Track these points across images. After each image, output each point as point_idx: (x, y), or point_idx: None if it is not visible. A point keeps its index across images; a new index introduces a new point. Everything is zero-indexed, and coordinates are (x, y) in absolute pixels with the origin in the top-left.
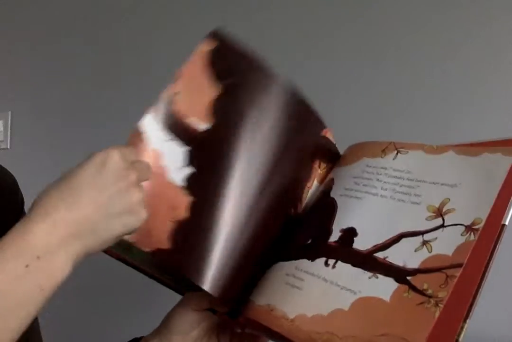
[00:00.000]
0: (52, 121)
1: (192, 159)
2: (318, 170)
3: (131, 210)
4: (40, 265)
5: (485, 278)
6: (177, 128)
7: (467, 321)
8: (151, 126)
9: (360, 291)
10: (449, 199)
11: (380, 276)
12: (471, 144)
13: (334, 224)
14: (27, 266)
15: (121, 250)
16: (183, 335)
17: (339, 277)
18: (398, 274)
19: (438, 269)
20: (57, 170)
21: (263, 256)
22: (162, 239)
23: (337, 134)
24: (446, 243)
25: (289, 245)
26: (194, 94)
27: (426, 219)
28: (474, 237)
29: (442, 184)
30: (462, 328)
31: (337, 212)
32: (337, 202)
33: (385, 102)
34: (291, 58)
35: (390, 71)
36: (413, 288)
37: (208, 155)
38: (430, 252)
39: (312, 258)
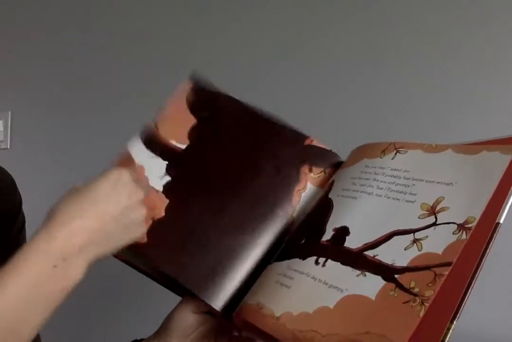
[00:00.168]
0: (52, 121)
1: (169, 171)
2: (310, 174)
3: (138, 222)
4: (65, 266)
5: (475, 277)
6: (159, 148)
7: (454, 322)
8: (138, 147)
9: (347, 289)
10: (443, 197)
11: (368, 274)
12: (471, 144)
13: (328, 223)
14: (54, 266)
15: (128, 254)
16: (182, 338)
17: (328, 275)
18: (386, 272)
19: (427, 267)
20: (57, 170)
21: (256, 259)
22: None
23: (337, 134)
24: (437, 241)
25: (284, 246)
26: (175, 123)
27: (419, 217)
28: (466, 236)
29: (438, 182)
30: (448, 329)
31: (332, 212)
32: (334, 202)
33: (385, 102)
34: (291, 58)
35: (390, 71)
36: (400, 286)
37: (183, 168)
38: (420, 250)
39: (303, 257)
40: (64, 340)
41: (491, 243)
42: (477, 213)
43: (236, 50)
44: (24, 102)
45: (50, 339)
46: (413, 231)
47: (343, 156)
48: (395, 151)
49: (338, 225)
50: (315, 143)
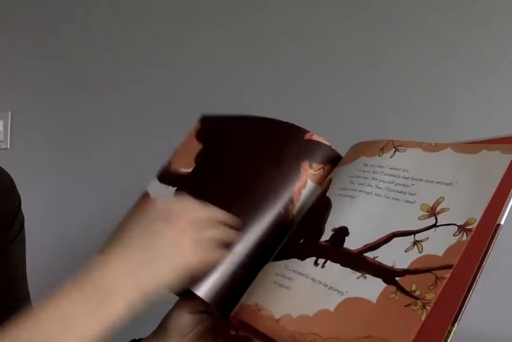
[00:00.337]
0: (52, 121)
1: (177, 194)
2: (310, 170)
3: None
4: (104, 300)
5: (476, 280)
6: (169, 178)
7: (455, 324)
8: (153, 183)
9: (347, 291)
10: (443, 198)
11: (368, 276)
12: (470, 143)
13: (326, 223)
14: (91, 299)
15: None
16: (179, 337)
17: (327, 277)
18: (387, 274)
19: (428, 270)
20: (57, 170)
21: (255, 257)
22: None
23: (336, 134)
24: (438, 243)
25: (283, 245)
26: (184, 153)
27: (419, 218)
28: (467, 237)
29: (437, 182)
30: (450, 331)
31: (331, 211)
32: (332, 201)
33: (385, 102)
34: (291, 58)
35: (390, 71)
36: (401, 289)
37: (189, 186)
38: (420, 252)
39: (302, 257)
40: None
41: (492, 245)
42: (477, 214)
43: (236, 50)
44: (24, 102)
45: None
46: (414, 233)
47: (343, 155)
48: (393, 149)
49: (337, 225)
50: (315, 138)
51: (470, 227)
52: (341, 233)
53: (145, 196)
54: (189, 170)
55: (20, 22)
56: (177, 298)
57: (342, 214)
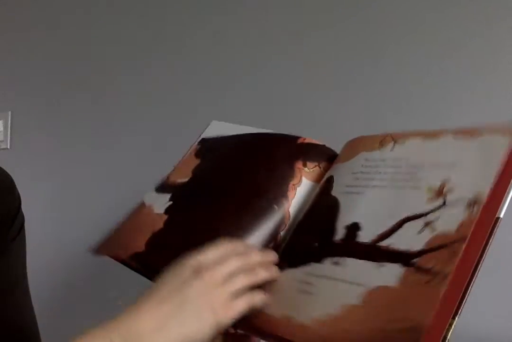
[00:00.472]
0: (52, 121)
1: (172, 198)
2: (305, 169)
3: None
4: None
5: (484, 255)
6: (166, 188)
7: (456, 318)
8: (150, 194)
9: (368, 283)
10: (448, 179)
11: (386, 264)
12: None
13: (337, 222)
14: None
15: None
16: None
17: (347, 273)
18: (403, 258)
19: (443, 246)
20: (57, 170)
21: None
22: (140, 245)
23: (335, 133)
24: (449, 220)
25: (294, 248)
26: (182, 168)
27: (427, 201)
28: (478, 209)
29: (440, 165)
30: (450, 325)
31: (340, 210)
32: (340, 199)
33: (383, 101)
34: (291, 58)
35: (389, 69)
36: (419, 269)
37: (183, 192)
38: (433, 231)
39: (319, 260)
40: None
41: (499, 221)
42: (484, 188)
43: (235, 50)
44: (24, 102)
45: (50, 339)
46: (424, 215)
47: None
48: (393, 142)
49: (348, 222)
50: (307, 141)
51: (479, 199)
52: (353, 229)
53: (141, 206)
54: (185, 180)
55: (20, 22)
56: None
57: (352, 210)
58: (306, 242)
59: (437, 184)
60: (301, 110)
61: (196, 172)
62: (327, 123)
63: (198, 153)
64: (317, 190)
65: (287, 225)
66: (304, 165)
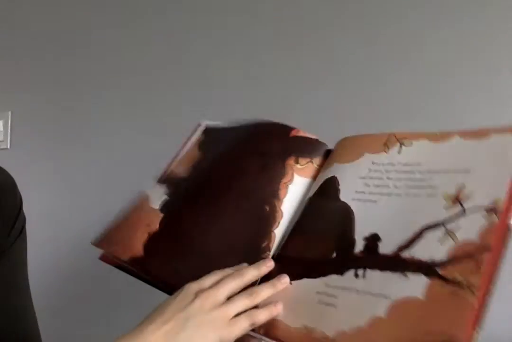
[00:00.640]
0: (52, 121)
1: (168, 192)
2: (296, 165)
3: None
4: None
5: (502, 259)
6: (165, 178)
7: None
8: (152, 186)
9: (393, 295)
10: (464, 185)
11: (410, 274)
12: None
13: (355, 233)
14: None
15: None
16: None
17: (371, 285)
18: (427, 269)
19: (467, 256)
20: (57, 170)
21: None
22: (138, 247)
23: (333, 131)
24: (469, 228)
25: (305, 256)
26: (185, 162)
27: (444, 209)
28: (497, 217)
29: (454, 171)
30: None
31: (355, 219)
32: (352, 207)
33: (384, 102)
34: (292, 58)
35: (389, 69)
36: (445, 279)
37: (180, 188)
38: (455, 240)
39: (340, 272)
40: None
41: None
42: (501, 193)
43: (235, 50)
44: (24, 102)
45: (50, 339)
46: (443, 223)
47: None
48: (399, 144)
49: (366, 233)
50: (300, 134)
51: (497, 207)
52: (373, 240)
53: (142, 197)
54: (184, 175)
55: (20, 22)
56: None
57: (368, 220)
58: (320, 251)
59: (453, 190)
60: (296, 107)
61: (195, 168)
62: (325, 121)
63: (201, 146)
64: (316, 188)
65: (281, 223)
66: (296, 161)
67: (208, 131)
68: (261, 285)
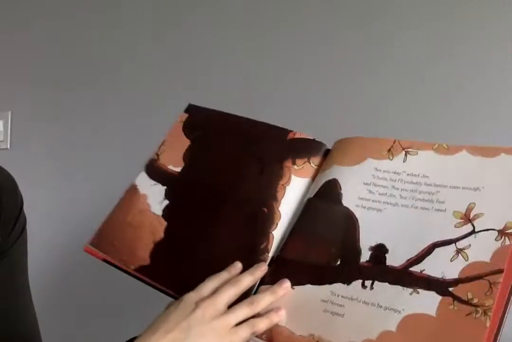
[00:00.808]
0: (52, 121)
1: (168, 195)
2: (293, 167)
3: None
4: None
5: None
6: (159, 175)
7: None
8: (142, 179)
9: (404, 309)
10: (474, 204)
11: (421, 290)
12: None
13: (360, 242)
14: None
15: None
16: None
17: (380, 298)
18: (439, 286)
19: (480, 277)
20: (57, 170)
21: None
22: (145, 257)
23: (335, 133)
24: (481, 249)
25: (307, 261)
26: (172, 149)
27: (455, 226)
28: (510, 241)
29: (463, 188)
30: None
31: (360, 228)
32: (356, 214)
33: (384, 102)
34: (291, 58)
35: (389, 70)
36: (457, 299)
37: (178, 189)
38: (466, 260)
39: (347, 282)
40: (63, 339)
41: None
42: None
43: (235, 48)
44: (24, 102)
45: (50, 339)
46: (454, 241)
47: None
48: (403, 152)
49: (372, 243)
50: (297, 136)
51: (510, 231)
52: (380, 250)
53: (133, 189)
54: (178, 169)
55: (20, 22)
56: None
57: (374, 229)
58: (323, 256)
59: (463, 207)
60: (299, 108)
61: (190, 162)
62: (324, 119)
63: (187, 131)
64: (316, 190)
65: (279, 225)
66: (293, 163)
67: (192, 112)
68: (261, 293)
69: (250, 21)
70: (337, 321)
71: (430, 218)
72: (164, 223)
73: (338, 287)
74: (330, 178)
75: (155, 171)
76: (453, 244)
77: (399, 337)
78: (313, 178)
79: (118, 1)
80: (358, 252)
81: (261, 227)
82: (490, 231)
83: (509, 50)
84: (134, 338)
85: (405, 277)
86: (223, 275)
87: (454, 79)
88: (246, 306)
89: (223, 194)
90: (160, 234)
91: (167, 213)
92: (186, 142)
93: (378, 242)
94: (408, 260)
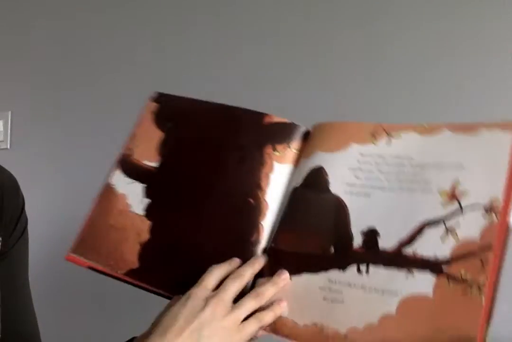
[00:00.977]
0: (52, 121)
1: (147, 193)
2: (275, 153)
3: None
4: None
5: (504, 258)
6: (135, 172)
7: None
8: (117, 177)
9: (401, 291)
10: (458, 181)
11: (415, 271)
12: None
13: (351, 227)
14: None
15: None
16: None
17: (376, 281)
18: (433, 266)
19: (471, 254)
20: (57, 170)
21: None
22: (133, 260)
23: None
24: (470, 226)
25: (302, 251)
26: (145, 142)
27: (442, 205)
28: (496, 217)
29: (447, 167)
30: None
31: (350, 213)
32: (345, 200)
33: (384, 102)
34: (291, 59)
35: (389, 70)
36: (452, 277)
37: (157, 186)
38: (457, 238)
39: (342, 267)
40: (63, 339)
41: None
42: (498, 192)
43: (235, 48)
44: (24, 102)
45: (50, 339)
46: (442, 220)
47: None
48: (387, 135)
49: (364, 227)
50: (274, 119)
51: (495, 206)
52: (372, 235)
53: (110, 189)
54: (154, 164)
55: (20, 22)
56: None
57: (364, 214)
58: (316, 245)
59: (448, 186)
60: (299, 108)
61: (166, 155)
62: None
63: (158, 121)
64: (301, 177)
65: (267, 214)
66: (274, 149)
67: (160, 101)
68: (263, 284)
69: (250, 21)
70: (338, 308)
71: (417, 198)
72: (148, 223)
73: (334, 273)
74: (315, 165)
75: (130, 167)
76: (442, 223)
77: (400, 320)
78: (295, 164)
79: (118, 1)
80: (350, 238)
81: (250, 218)
82: (476, 207)
83: (509, 50)
84: (134, 338)
85: (398, 258)
86: (224, 266)
87: (454, 79)
88: (252, 299)
89: (205, 187)
90: (146, 235)
91: (150, 212)
92: (159, 135)
93: (369, 226)
94: (400, 241)
